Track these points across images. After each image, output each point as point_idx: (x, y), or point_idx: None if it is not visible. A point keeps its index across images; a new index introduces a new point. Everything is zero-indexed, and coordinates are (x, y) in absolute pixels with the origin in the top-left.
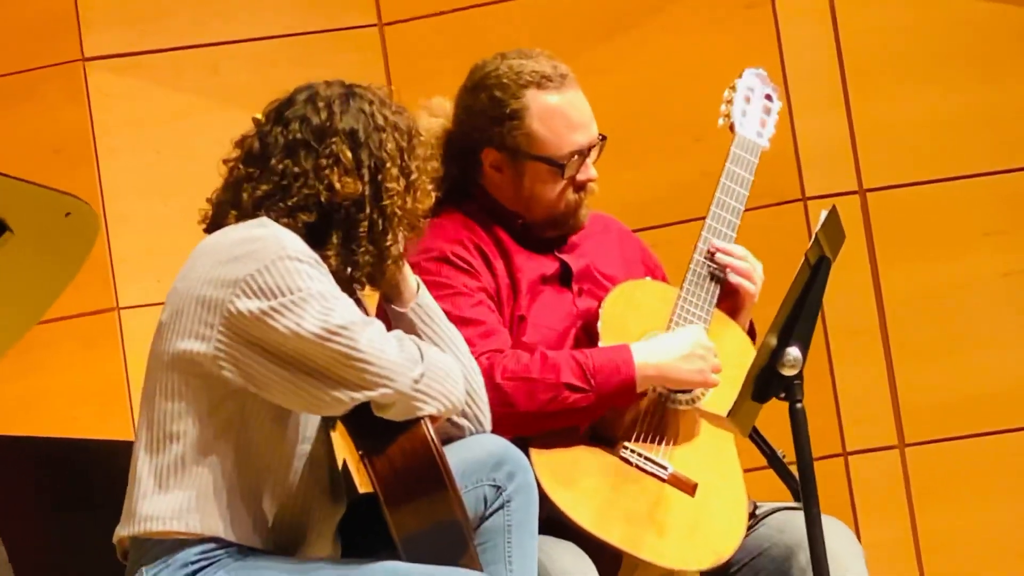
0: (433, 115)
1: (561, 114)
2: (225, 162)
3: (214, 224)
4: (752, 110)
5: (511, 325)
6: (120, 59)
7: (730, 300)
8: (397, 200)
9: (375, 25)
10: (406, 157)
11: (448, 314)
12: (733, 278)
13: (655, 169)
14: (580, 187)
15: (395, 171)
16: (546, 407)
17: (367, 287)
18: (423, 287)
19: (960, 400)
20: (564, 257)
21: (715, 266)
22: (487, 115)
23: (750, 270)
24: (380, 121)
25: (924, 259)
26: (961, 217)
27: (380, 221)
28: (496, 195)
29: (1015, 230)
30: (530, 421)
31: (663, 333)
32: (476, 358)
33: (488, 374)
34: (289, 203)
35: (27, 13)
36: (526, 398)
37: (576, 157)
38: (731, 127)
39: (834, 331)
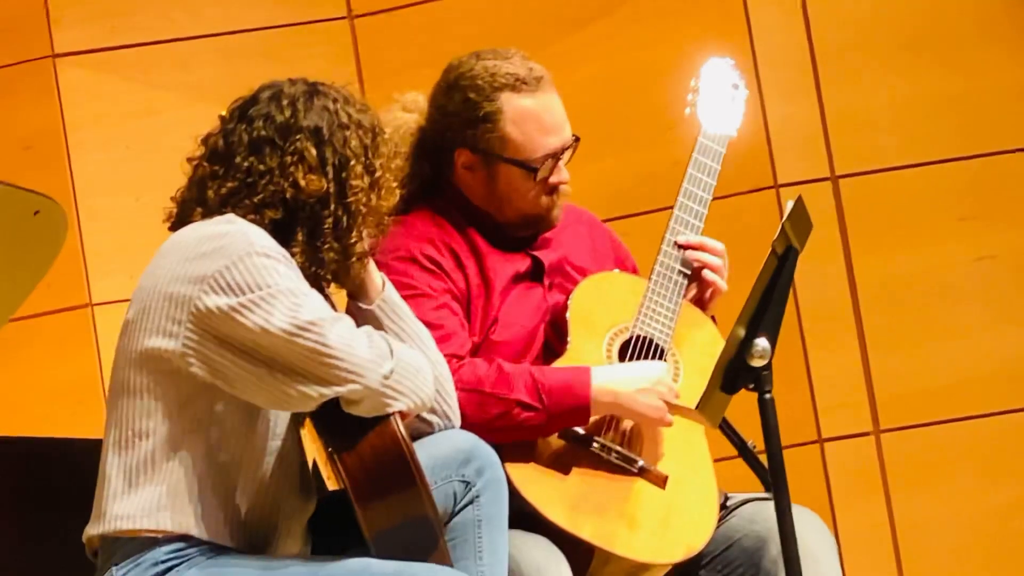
0: (407, 110)
1: (535, 118)
2: (189, 160)
3: (179, 222)
4: (719, 99)
5: (484, 326)
6: (90, 55)
7: (697, 292)
8: (362, 197)
9: (345, 18)
10: (370, 155)
11: None
12: (708, 275)
13: (625, 159)
14: (552, 189)
15: (359, 168)
16: (496, 422)
17: (332, 284)
18: (389, 284)
19: (935, 386)
20: (537, 254)
21: (684, 258)
22: (461, 116)
23: (722, 267)
24: (344, 119)
25: (897, 245)
26: (934, 203)
27: (345, 218)
28: (468, 195)
29: (988, 215)
30: (481, 433)
31: (631, 327)
32: None
33: None
34: (255, 200)
35: None
36: (477, 410)
37: (549, 160)
38: (698, 117)
39: (808, 318)
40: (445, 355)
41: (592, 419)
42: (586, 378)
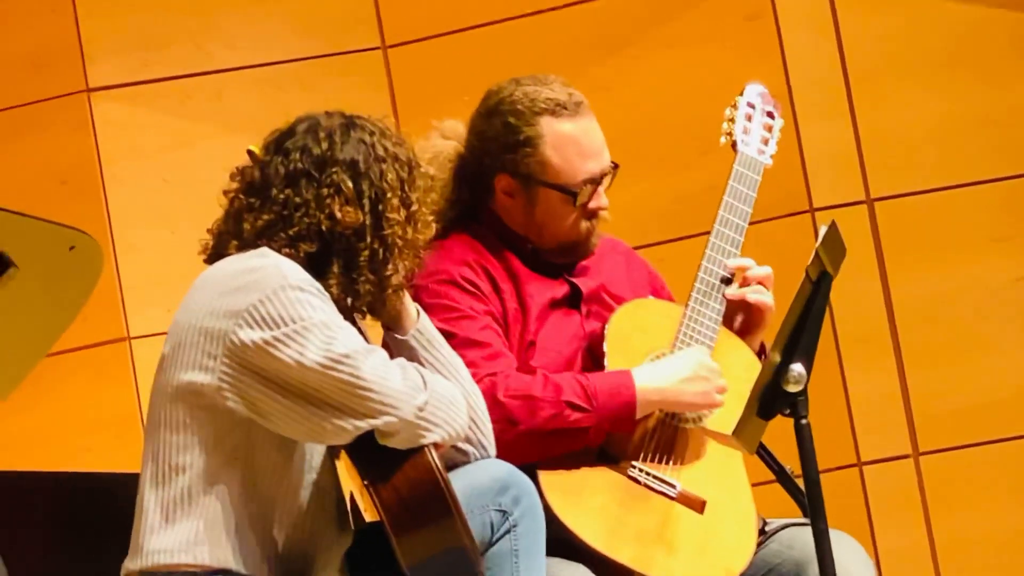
0: (446, 137)
1: (574, 142)
2: (225, 193)
3: (215, 254)
4: (754, 127)
5: (520, 349)
6: (124, 88)
7: (743, 317)
8: (398, 230)
9: (378, 48)
10: (406, 188)
11: (455, 336)
12: (752, 297)
13: (661, 184)
14: (592, 215)
15: (396, 201)
16: (548, 424)
17: (368, 316)
18: (423, 314)
19: (973, 407)
20: (575, 280)
21: (720, 285)
22: (500, 141)
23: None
24: (381, 152)
25: (933, 267)
26: (969, 224)
27: (381, 250)
28: (507, 220)
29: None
30: (533, 440)
31: (668, 353)
32: (480, 379)
33: (490, 392)
34: (291, 233)
35: (30, 45)
36: (528, 415)
37: (588, 185)
38: (733, 145)
39: (845, 341)
40: (492, 372)
41: (638, 417)
42: (629, 380)
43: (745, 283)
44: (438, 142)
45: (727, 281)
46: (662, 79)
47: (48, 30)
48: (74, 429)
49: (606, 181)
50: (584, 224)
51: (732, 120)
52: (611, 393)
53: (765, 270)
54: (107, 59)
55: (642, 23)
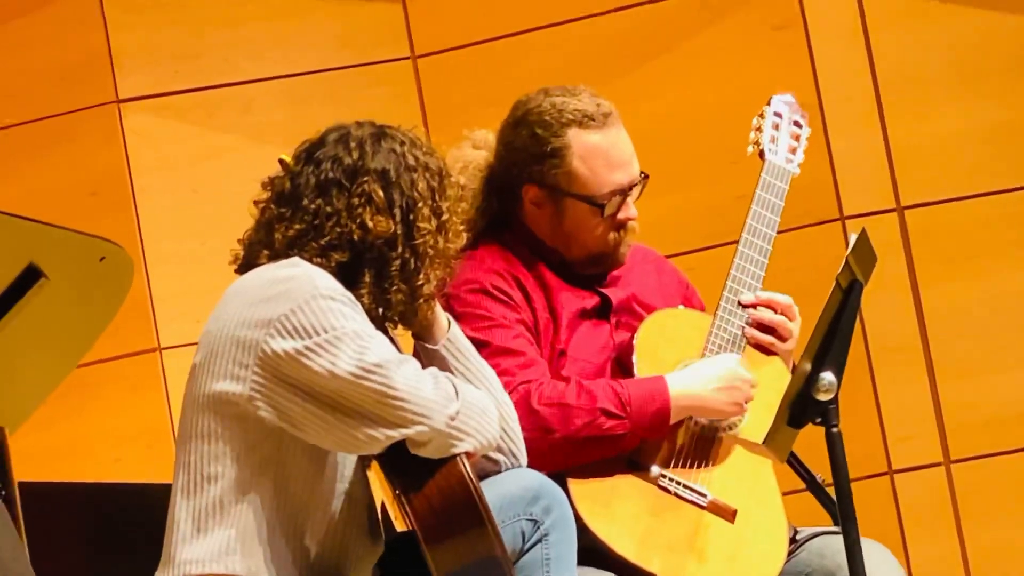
0: (476, 147)
1: (602, 153)
2: (256, 203)
3: (246, 264)
4: (781, 136)
5: (551, 359)
6: (154, 100)
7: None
8: (429, 239)
9: (408, 58)
10: (437, 198)
11: (489, 345)
12: (755, 335)
13: (689, 194)
14: (620, 226)
15: (427, 211)
16: (581, 432)
17: (399, 326)
18: (454, 324)
19: (1005, 415)
20: (605, 291)
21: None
22: (528, 152)
23: (781, 324)
24: (411, 161)
25: (964, 274)
26: (1000, 232)
27: (412, 260)
28: (536, 230)
29: None
30: (567, 448)
31: (697, 361)
32: (514, 387)
33: (525, 400)
34: (322, 242)
35: (60, 57)
36: (562, 423)
37: (617, 196)
38: (760, 154)
39: (876, 349)
40: (527, 380)
41: (671, 422)
42: (663, 386)
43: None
44: (468, 152)
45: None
46: (692, 89)
47: (78, 42)
48: (105, 440)
49: (635, 192)
50: (612, 235)
51: (759, 129)
52: (645, 400)
53: (777, 319)
54: (137, 71)
55: (672, 33)
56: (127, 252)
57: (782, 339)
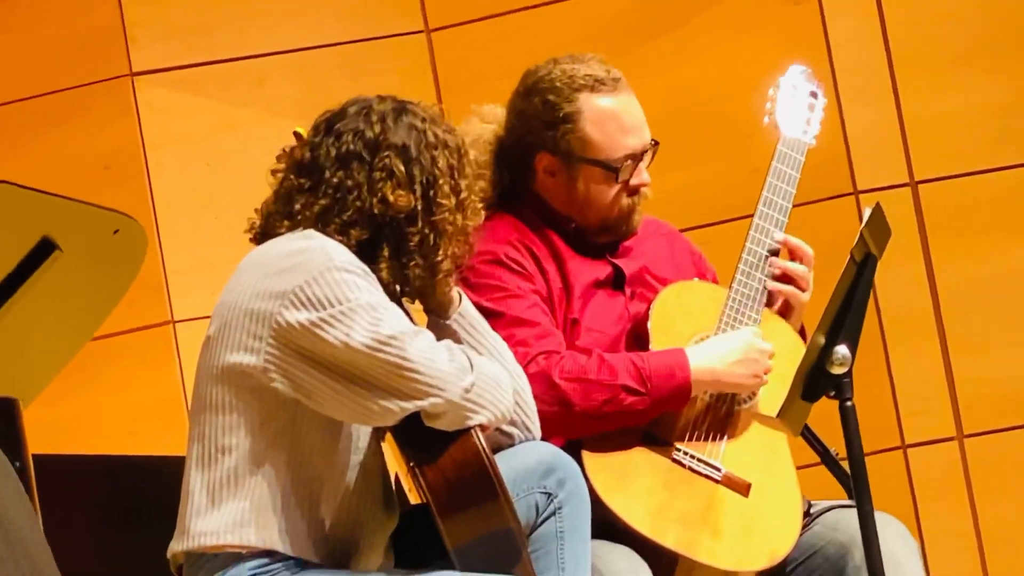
0: (484, 121)
1: (615, 117)
2: (273, 172)
3: (263, 234)
4: (796, 108)
5: (564, 328)
6: (168, 73)
7: (780, 303)
8: (448, 216)
9: (422, 32)
10: (456, 175)
11: (504, 315)
12: (775, 286)
13: (704, 168)
14: (633, 191)
15: (447, 188)
16: (602, 408)
17: (415, 302)
18: (465, 297)
19: (1018, 389)
20: (617, 262)
21: (764, 266)
22: (540, 119)
23: (802, 275)
24: (431, 138)
25: (978, 249)
26: (1014, 206)
27: (432, 236)
28: (549, 199)
29: None
30: (585, 422)
31: (713, 335)
32: (533, 358)
33: (545, 373)
34: (344, 218)
35: (74, 30)
36: (583, 398)
37: (630, 161)
38: (776, 125)
39: (889, 324)
40: (546, 351)
41: (686, 402)
42: (683, 360)
43: (791, 257)
44: (477, 126)
45: (774, 253)
46: (705, 63)
47: (92, 15)
48: (119, 413)
49: (647, 157)
50: (626, 200)
51: (775, 100)
52: (666, 375)
53: (800, 269)
54: (151, 44)
55: (686, 7)
56: (141, 224)
57: (801, 290)
